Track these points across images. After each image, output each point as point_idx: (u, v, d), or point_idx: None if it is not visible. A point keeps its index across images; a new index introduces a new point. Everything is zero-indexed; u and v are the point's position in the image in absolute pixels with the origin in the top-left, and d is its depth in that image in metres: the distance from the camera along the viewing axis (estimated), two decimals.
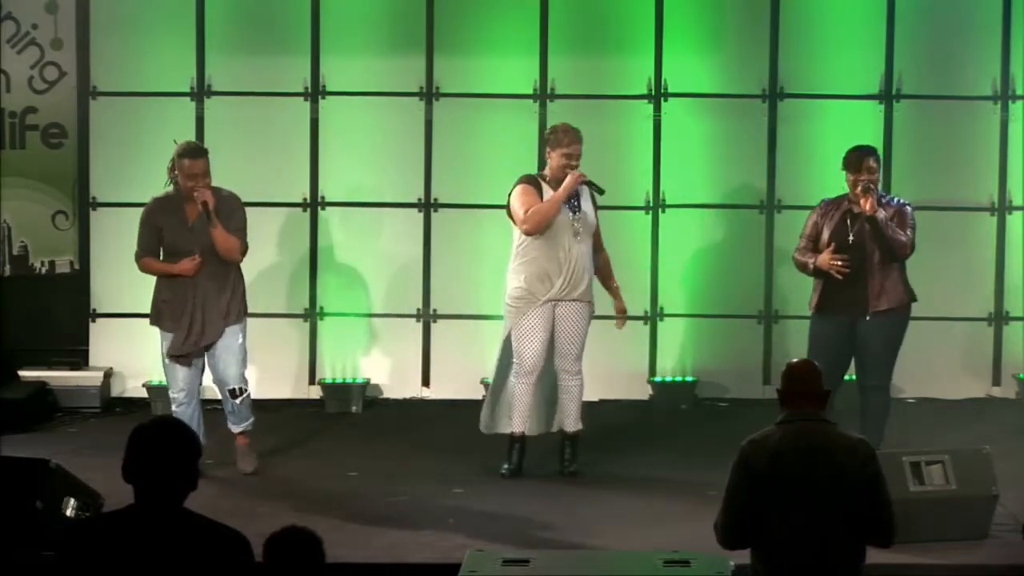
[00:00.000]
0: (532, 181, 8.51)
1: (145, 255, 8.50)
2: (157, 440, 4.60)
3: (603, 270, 8.71)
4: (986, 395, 10.55)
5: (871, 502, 5.49)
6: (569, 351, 8.54)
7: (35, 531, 6.84)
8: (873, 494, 5.49)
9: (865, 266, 8.35)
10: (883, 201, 8.41)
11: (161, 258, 8.50)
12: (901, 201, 8.54)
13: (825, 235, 8.41)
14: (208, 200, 8.26)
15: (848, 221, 8.35)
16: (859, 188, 8.29)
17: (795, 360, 5.82)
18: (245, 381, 8.53)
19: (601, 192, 8.60)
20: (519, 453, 8.56)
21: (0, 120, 10.53)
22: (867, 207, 8.25)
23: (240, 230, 8.43)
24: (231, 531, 4.58)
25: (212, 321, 8.39)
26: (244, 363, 8.52)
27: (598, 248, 8.68)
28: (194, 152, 8.37)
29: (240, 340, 8.46)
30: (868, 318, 8.36)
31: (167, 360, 8.46)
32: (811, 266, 8.43)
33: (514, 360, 8.52)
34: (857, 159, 8.38)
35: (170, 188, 8.47)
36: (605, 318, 10.25)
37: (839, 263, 8.31)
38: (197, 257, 8.32)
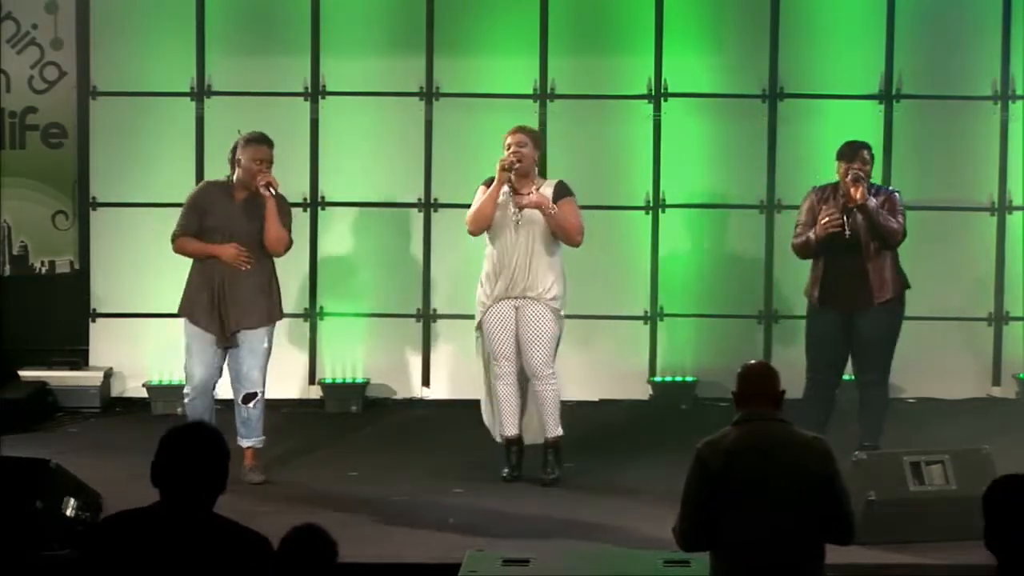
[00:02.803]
0: (489, 182, 8.44)
1: (183, 235, 8.39)
2: (189, 446, 4.61)
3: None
4: (986, 395, 10.54)
5: (828, 500, 5.47)
6: (534, 357, 8.36)
7: (35, 531, 6.84)
8: (830, 492, 5.48)
9: (862, 259, 8.40)
10: (872, 190, 8.47)
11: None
12: (890, 189, 8.65)
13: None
14: (273, 183, 8.26)
15: (844, 216, 8.39)
16: (849, 176, 8.36)
17: (751, 362, 5.88)
18: (263, 387, 8.45)
19: (522, 176, 8.35)
20: (517, 455, 8.54)
21: (0, 120, 10.53)
22: (857, 195, 8.33)
23: (288, 227, 8.43)
24: (254, 533, 4.60)
25: (245, 312, 8.31)
26: (265, 368, 8.46)
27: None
28: (262, 139, 8.39)
29: (266, 344, 8.41)
30: (865, 311, 8.39)
31: (187, 354, 8.40)
32: (812, 238, 8.46)
33: (492, 362, 8.49)
34: (851, 150, 8.49)
35: (223, 177, 8.48)
36: (606, 318, 10.29)
37: (826, 220, 8.35)
38: (243, 249, 8.28)
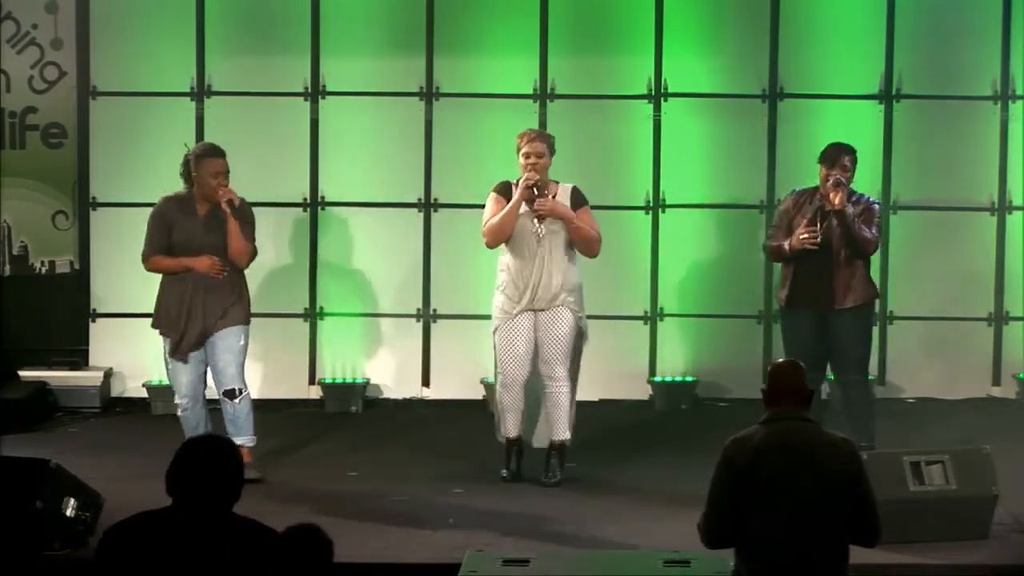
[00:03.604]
0: (503, 189, 8.40)
1: (154, 253, 8.42)
2: (204, 460, 4.64)
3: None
4: (986, 395, 10.54)
5: (854, 501, 5.49)
6: (552, 357, 8.38)
7: (35, 531, 6.84)
8: (856, 493, 5.49)
9: (832, 263, 8.45)
10: (853, 199, 8.50)
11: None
12: (871, 199, 8.65)
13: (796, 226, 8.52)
14: (234, 199, 8.27)
15: (819, 219, 8.42)
16: (830, 182, 8.40)
17: (780, 360, 5.86)
18: (244, 384, 8.49)
19: (538, 194, 8.26)
20: (517, 457, 8.54)
21: (0, 120, 10.53)
22: (836, 201, 8.38)
23: (252, 237, 8.44)
24: (270, 530, 4.62)
25: (209, 318, 8.32)
26: (243, 364, 8.47)
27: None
28: (215, 151, 8.39)
29: (241, 341, 8.41)
30: (837, 314, 8.43)
31: (169, 364, 8.44)
32: (787, 247, 8.50)
33: (498, 371, 8.50)
34: (834, 154, 8.53)
35: (182, 190, 8.46)
36: (606, 318, 10.27)
37: (805, 236, 8.40)
38: (217, 259, 8.31)
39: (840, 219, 8.39)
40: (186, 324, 8.32)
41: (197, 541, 4.55)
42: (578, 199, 8.43)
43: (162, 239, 8.40)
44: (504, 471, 8.52)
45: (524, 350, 8.38)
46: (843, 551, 5.52)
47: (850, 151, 8.54)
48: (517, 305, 8.36)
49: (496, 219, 8.31)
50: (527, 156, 8.30)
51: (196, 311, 8.32)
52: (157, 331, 8.48)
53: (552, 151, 8.41)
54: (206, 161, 8.32)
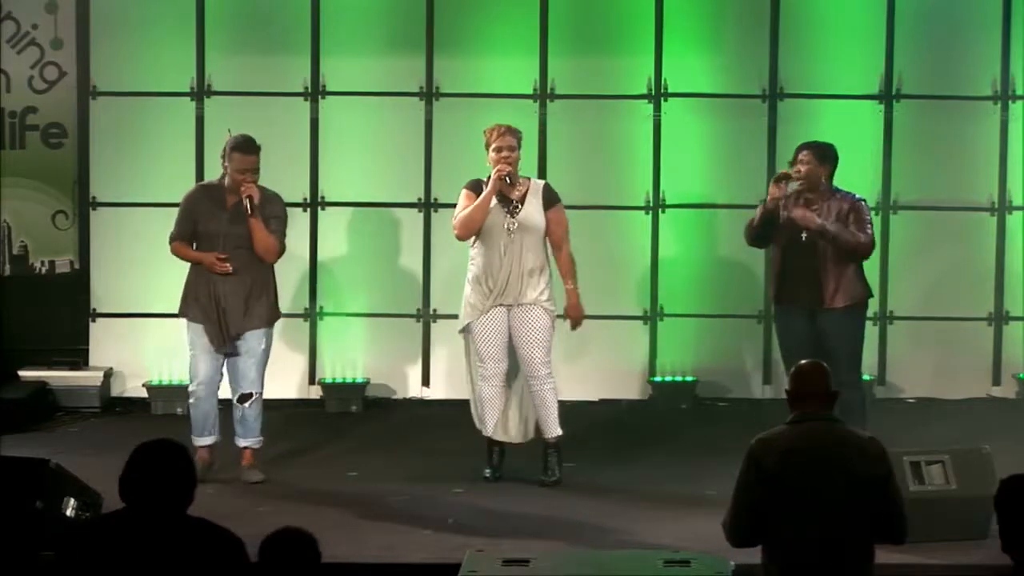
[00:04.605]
0: (474, 186, 8.41)
1: (177, 239, 8.47)
2: (155, 464, 4.66)
3: (562, 269, 8.47)
4: (986, 395, 10.55)
5: (882, 501, 5.50)
6: (532, 357, 8.36)
7: (35, 531, 6.84)
8: (884, 493, 5.51)
9: (818, 261, 8.35)
10: (838, 196, 8.39)
11: (195, 246, 8.45)
12: (855, 197, 8.46)
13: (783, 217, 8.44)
14: (253, 195, 8.27)
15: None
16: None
17: (804, 361, 5.84)
18: (261, 387, 8.47)
19: (511, 184, 8.33)
20: (499, 456, 8.54)
21: (0, 120, 10.53)
22: (811, 224, 8.24)
23: (279, 232, 8.44)
24: (226, 532, 4.63)
25: (244, 315, 8.35)
26: (263, 368, 8.47)
27: (558, 246, 8.43)
28: (247, 147, 8.37)
29: (263, 346, 8.42)
30: (826, 313, 8.35)
31: (192, 352, 8.43)
32: (756, 214, 8.47)
33: (477, 363, 8.48)
34: (795, 153, 8.46)
35: (215, 178, 8.51)
36: (604, 318, 10.27)
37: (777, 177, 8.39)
38: (226, 260, 8.28)
39: (823, 238, 8.26)
40: (220, 316, 8.32)
41: (149, 544, 4.57)
42: (550, 196, 8.43)
43: (186, 226, 8.43)
44: (487, 471, 8.51)
45: (502, 344, 8.38)
46: (869, 552, 5.53)
47: (809, 146, 8.43)
48: (487, 300, 8.36)
49: (467, 211, 8.33)
50: (499, 150, 8.31)
51: (224, 305, 8.32)
52: (185, 318, 8.44)
53: (520, 144, 8.42)
54: (236, 155, 8.34)
